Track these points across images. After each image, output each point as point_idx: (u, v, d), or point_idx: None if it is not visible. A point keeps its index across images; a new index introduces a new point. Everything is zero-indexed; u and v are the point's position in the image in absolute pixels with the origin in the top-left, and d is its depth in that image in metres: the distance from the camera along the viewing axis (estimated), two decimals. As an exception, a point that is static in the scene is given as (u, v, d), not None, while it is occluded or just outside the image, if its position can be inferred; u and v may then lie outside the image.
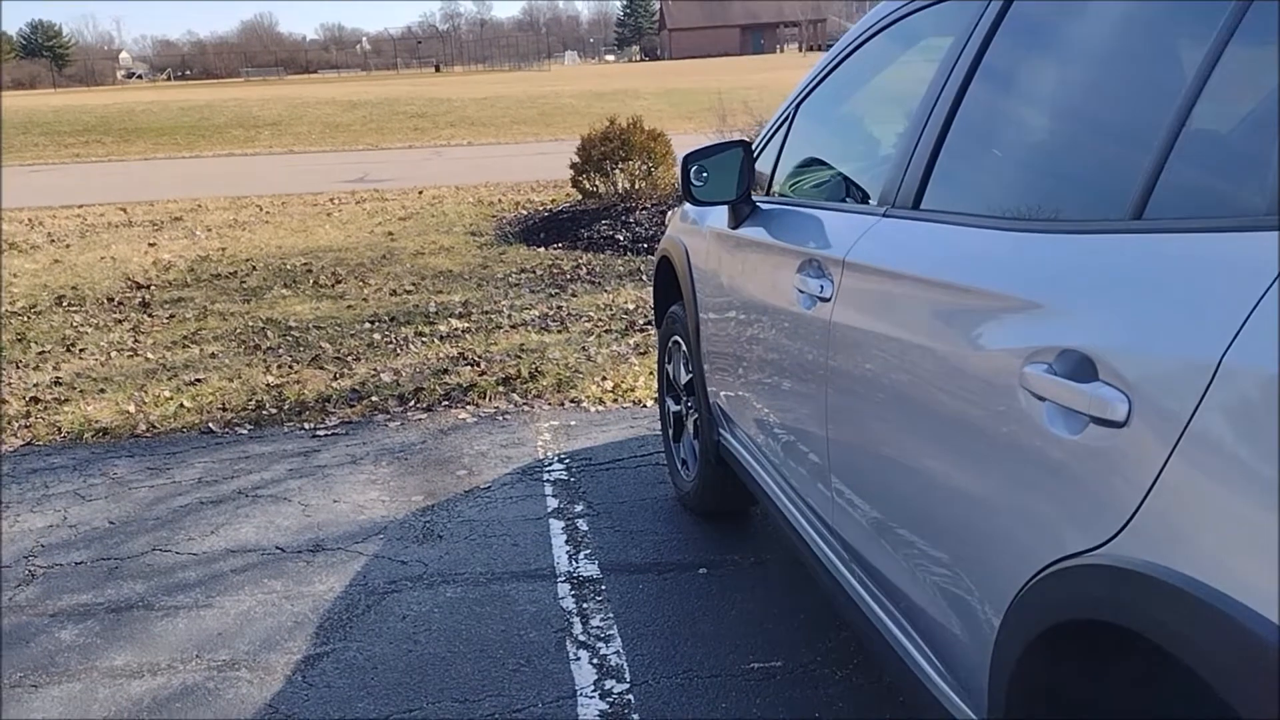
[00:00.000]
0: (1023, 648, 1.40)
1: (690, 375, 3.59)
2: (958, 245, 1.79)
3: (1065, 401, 1.33)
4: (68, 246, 10.26)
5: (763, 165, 3.03)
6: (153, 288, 8.08)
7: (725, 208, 2.99)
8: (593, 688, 2.71)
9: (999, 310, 1.57)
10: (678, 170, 3.06)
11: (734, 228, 2.95)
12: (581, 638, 2.95)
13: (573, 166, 10.18)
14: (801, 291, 2.34)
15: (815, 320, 2.25)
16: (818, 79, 2.82)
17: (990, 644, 1.51)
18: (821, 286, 2.22)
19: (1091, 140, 1.63)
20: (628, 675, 2.76)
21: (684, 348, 3.62)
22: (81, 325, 6.94)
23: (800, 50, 74.03)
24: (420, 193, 13.37)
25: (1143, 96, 1.50)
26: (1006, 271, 1.60)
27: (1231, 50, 1.29)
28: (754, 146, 3.05)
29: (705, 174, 2.90)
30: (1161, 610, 1.15)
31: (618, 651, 2.87)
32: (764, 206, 2.86)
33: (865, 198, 2.43)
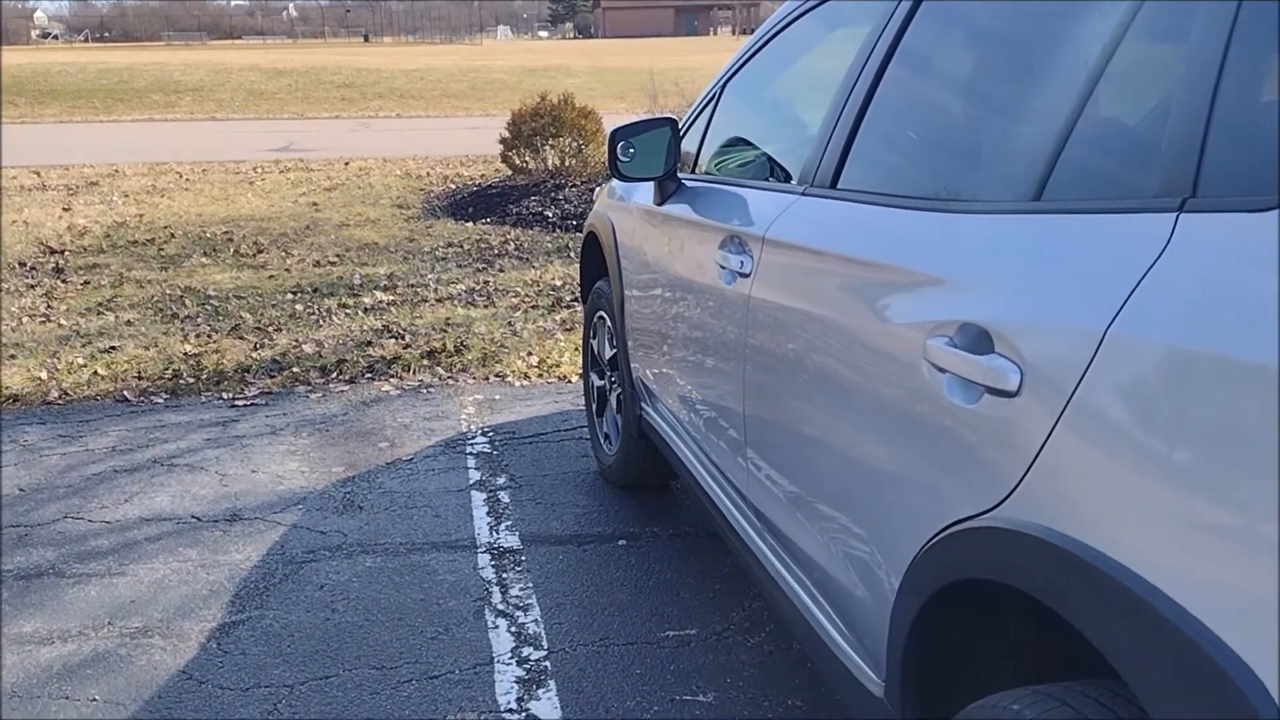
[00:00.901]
0: (918, 609, 1.46)
1: (614, 350, 3.63)
2: (870, 223, 1.85)
3: (963, 372, 1.39)
4: (-23, 209, 9.94)
5: (689, 143, 3.07)
6: (67, 253, 7.88)
7: (652, 184, 3.02)
8: (510, 655, 2.74)
9: (906, 285, 1.63)
10: (605, 147, 3.08)
11: (660, 204, 2.99)
12: (500, 607, 2.98)
13: (503, 141, 10.13)
14: (723, 267, 2.39)
15: (735, 295, 2.29)
16: (744, 59, 2.87)
17: (890, 607, 1.58)
18: (742, 262, 2.27)
19: (996, 125, 1.70)
20: (545, 643, 2.80)
21: (609, 323, 3.66)
22: (-9, 290, 6.75)
23: (734, 33, 74.32)
24: (346, 164, 13.18)
25: (1045, 84, 1.57)
26: (914, 249, 1.66)
27: (1128, 43, 1.36)
28: (681, 124, 3.08)
29: (632, 150, 2.93)
30: (1044, 570, 1.21)
31: (536, 620, 2.91)
32: (689, 184, 2.90)
33: (787, 177, 2.48)
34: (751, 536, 2.35)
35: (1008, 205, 1.50)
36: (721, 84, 2.97)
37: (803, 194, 2.15)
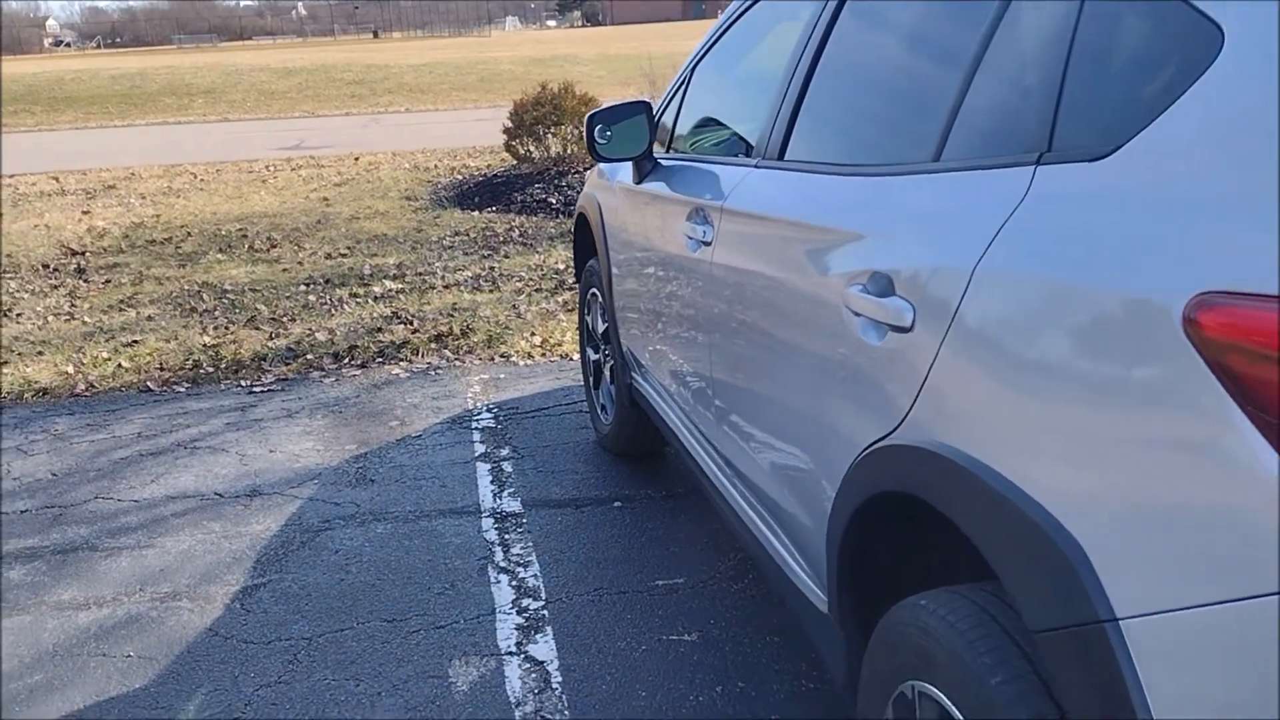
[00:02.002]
0: (847, 520, 1.67)
1: (606, 325, 3.83)
2: (810, 190, 2.05)
3: (872, 315, 1.59)
4: (-1, 216, 10.22)
5: (664, 123, 3.26)
6: (88, 254, 8.14)
7: (631, 164, 3.22)
8: (511, 605, 2.96)
9: (835, 244, 1.82)
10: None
11: (638, 183, 3.18)
12: (502, 564, 3.20)
13: (506, 131, 10.32)
14: (689, 238, 2.59)
15: (699, 263, 2.49)
16: (711, 42, 3.06)
17: (825, 523, 1.78)
18: (705, 232, 2.47)
19: (909, 97, 1.89)
20: (543, 594, 3.01)
21: (600, 299, 3.86)
22: (17, 292, 7.01)
23: (741, 15, 73.89)
24: (356, 159, 13.42)
25: (943, 59, 1.76)
26: (842, 210, 1.86)
27: (1002, 29, 1.56)
28: (656, 106, 3.27)
29: (609, 133, 3.12)
30: (932, 478, 1.41)
31: (535, 575, 3.12)
32: (664, 162, 3.10)
33: (748, 151, 2.67)
34: (722, 482, 2.56)
35: (914, 167, 1.69)
36: (691, 67, 3.16)
37: (755, 166, 2.35)
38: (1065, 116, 1.35)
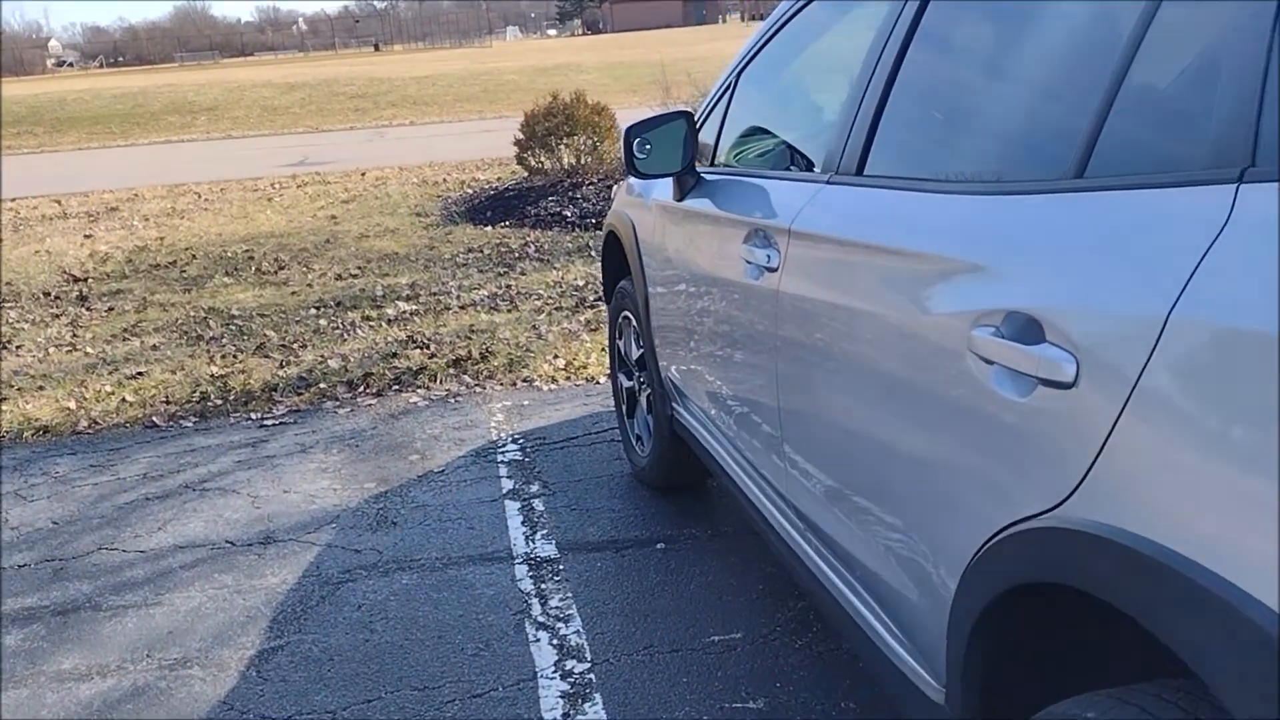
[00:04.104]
0: (979, 612, 1.39)
1: (642, 351, 3.56)
2: (901, 210, 1.78)
3: (1013, 364, 1.32)
4: None
5: (706, 135, 3.00)
6: (90, 280, 7.90)
7: (670, 180, 2.96)
8: (553, 669, 2.68)
9: (944, 274, 1.55)
10: (621, 144, 3.02)
11: (679, 200, 2.92)
12: (540, 619, 2.93)
13: (517, 143, 10.08)
14: (749, 262, 2.32)
15: (763, 291, 2.23)
16: (758, 46, 2.79)
17: (947, 609, 1.51)
18: (768, 256, 2.20)
19: (1031, 100, 1.62)
20: (588, 654, 2.74)
21: (634, 323, 3.59)
22: (17, 322, 6.77)
23: (742, 20, 73.94)
24: (363, 174, 13.19)
25: (1081, 55, 1.49)
26: (949, 234, 1.59)
27: (1167, 5, 1.28)
28: (696, 117, 3.01)
29: (649, 146, 2.86)
30: (1114, 571, 1.14)
31: (577, 631, 2.85)
32: (709, 177, 2.83)
33: (809, 165, 2.41)
34: (793, 536, 2.29)
35: (1047, 185, 1.42)
36: (736, 73, 2.90)
37: (827, 182, 2.08)
38: (1273, 122, 1.08)
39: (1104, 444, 1.16)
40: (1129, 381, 1.13)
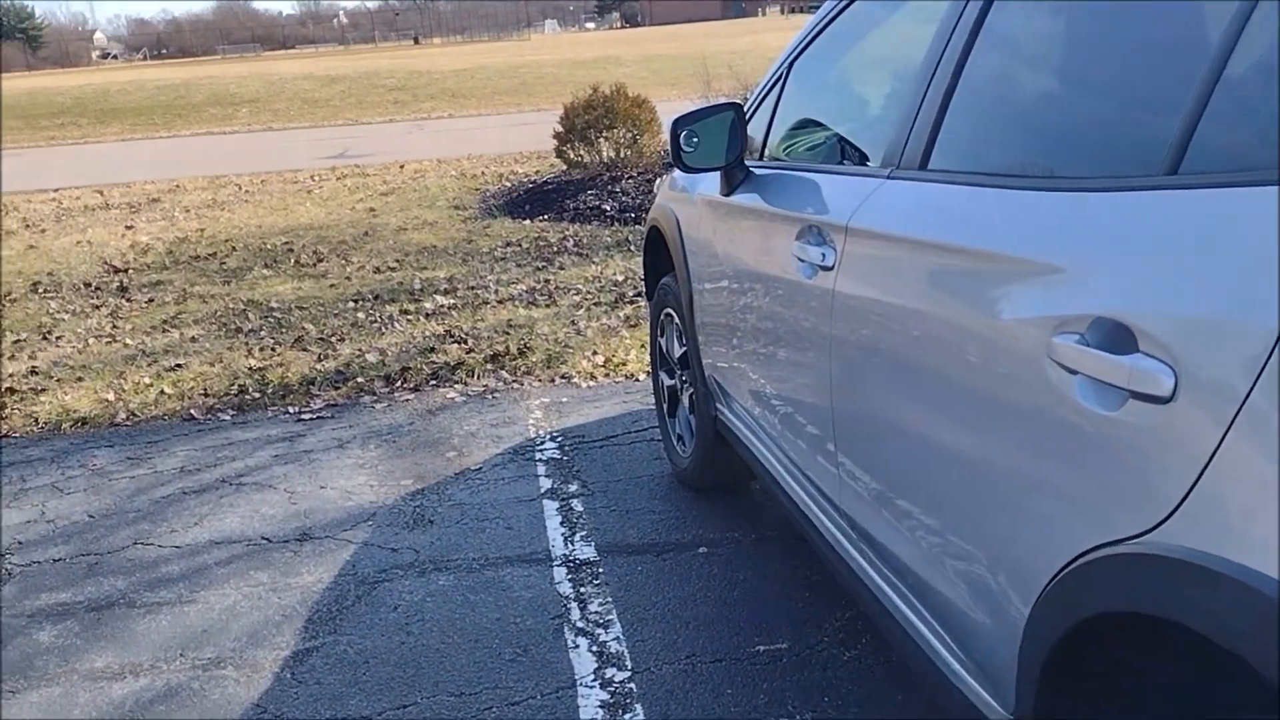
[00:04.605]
0: (1058, 640, 1.30)
1: (684, 348, 3.48)
2: (971, 207, 1.68)
3: (1100, 375, 1.22)
4: (43, 231, 10.07)
5: (755, 128, 2.90)
6: (130, 271, 7.92)
7: (717, 174, 2.86)
8: (593, 677, 2.61)
9: (1019, 275, 1.45)
10: (666, 137, 2.93)
11: (727, 194, 2.83)
12: (580, 624, 2.85)
13: (556, 136, 10.01)
14: (801, 260, 2.22)
15: (817, 290, 2.13)
16: (811, 36, 2.69)
17: (1019, 634, 1.41)
18: (823, 254, 2.11)
19: (1113, 89, 1.51)
20: (629, 662, 2.66)
21: (677, 320, 3.51)
22: (58, 312, 6.79)
23: (783, 13, 73.48)
24: (402, 167, 13.18)
25: (1173, 36, 1.38)
26: (1026, 233, 1.49)
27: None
28: (745, 109, 2.92)
29: (696, 139, 2.77)
30: (1215, 605, 1.04)
31: (618, 638, 2.77)
32: (758, 171, 2.74)
33: (865, 159, 2.31)
34: (842, 543, 2.20)
35: (1136, 181, 1.32)
36: (788, 64, 2.80)
37: (888, 177, 1.98)
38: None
39: (1206, 465, 1.06)
40: (1237, 397, 1.03)
